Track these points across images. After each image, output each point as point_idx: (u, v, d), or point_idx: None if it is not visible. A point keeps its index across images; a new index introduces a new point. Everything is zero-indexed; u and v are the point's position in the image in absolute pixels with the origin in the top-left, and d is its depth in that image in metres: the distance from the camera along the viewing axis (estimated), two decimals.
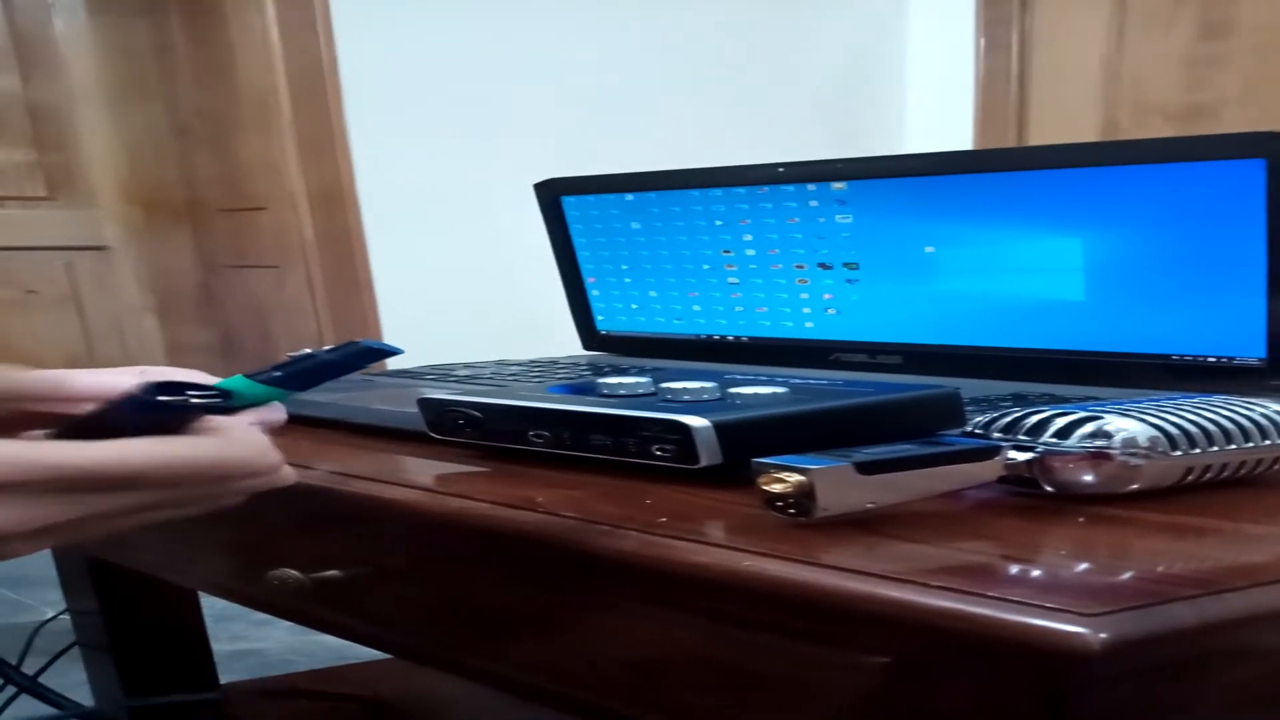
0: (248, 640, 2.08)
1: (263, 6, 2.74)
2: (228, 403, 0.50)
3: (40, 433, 0.46)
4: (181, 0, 2.98)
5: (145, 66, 3.05)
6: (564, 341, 1.22)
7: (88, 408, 0.50)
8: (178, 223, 3.15)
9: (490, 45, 2.97)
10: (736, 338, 1.05)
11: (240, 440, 0.48)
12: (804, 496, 0.49)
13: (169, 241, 3.15)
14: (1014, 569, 0.46)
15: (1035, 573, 0.46)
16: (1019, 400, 0.77)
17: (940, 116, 3.48)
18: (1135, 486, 0.54)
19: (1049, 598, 0.40)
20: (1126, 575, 0.45)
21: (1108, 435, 0.54)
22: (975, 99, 3.39)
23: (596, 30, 3.10)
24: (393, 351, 0.56)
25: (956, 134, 3.41)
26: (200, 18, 2.94)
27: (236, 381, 0.52)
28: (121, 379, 0.49)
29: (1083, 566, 0.46)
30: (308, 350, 0.55)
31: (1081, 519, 0.52)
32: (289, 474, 0.51)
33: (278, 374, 0.54)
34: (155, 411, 0.46)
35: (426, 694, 1.24)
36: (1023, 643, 0.39)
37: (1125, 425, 0.54)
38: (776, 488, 0.49)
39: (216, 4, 2.87)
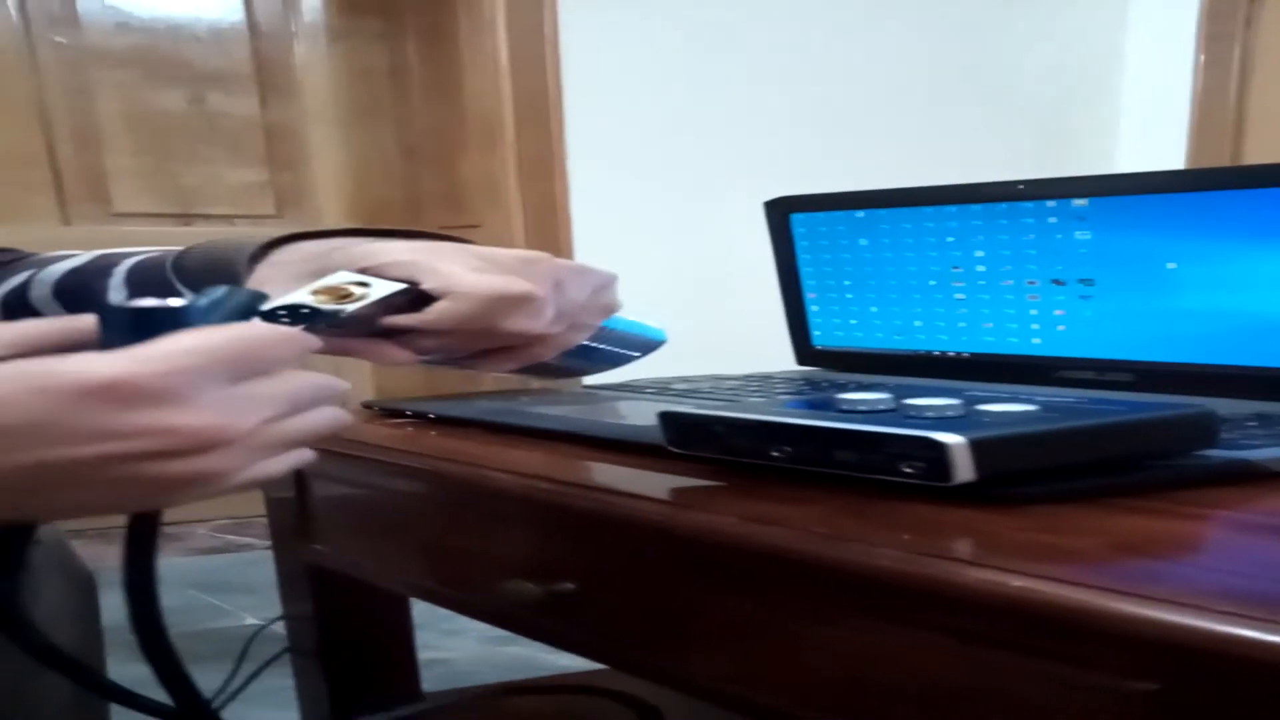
0: (436, 650, 2.09)
1: (495, 31, 2.82)
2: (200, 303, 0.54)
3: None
4: (418, 25, 3.08)
5: (378, 88, 3.17)
6: (765, 356, 1.22)
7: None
8: None
9: (714, 68, 2.99)
10: (957, 353, 1.04)
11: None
12: None
13: None
14: None
15: None
16: (1263, 420, 0.74)
17: (1153, 131, 3.40)
18: None
19: None
20: None
21: None
22: (1190, 114, 3.31)
23: (815, 50, 3.10)
24: None
25: (1169, 149, 3.32)
26: (435, 42, 3.04)
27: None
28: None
29: None
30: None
31: None
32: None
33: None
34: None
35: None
36: None
37: None
38: None
39: (451, 29, 2.97)
